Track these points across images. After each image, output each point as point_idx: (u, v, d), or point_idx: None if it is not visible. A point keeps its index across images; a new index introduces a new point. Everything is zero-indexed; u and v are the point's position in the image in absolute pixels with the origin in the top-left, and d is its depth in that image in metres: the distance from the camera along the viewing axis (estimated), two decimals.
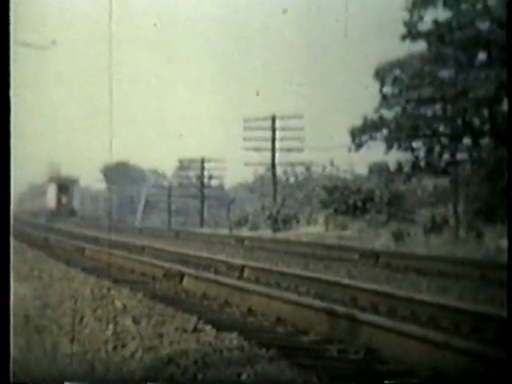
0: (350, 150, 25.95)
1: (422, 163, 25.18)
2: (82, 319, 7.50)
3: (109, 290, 9.72)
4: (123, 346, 6.36)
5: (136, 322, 7.29)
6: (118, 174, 45.02)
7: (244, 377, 5.35)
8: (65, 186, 34.82)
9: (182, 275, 10.99)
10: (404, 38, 24.85)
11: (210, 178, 38.51)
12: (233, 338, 6.50)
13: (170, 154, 38.32)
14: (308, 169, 34.76)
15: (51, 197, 34.71)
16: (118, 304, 8.41)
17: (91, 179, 45.47)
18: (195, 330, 6.92)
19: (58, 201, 34.56)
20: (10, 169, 5.58)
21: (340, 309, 7.23)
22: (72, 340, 6.70)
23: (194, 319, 7.39)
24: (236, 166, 36.96)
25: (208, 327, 6.99)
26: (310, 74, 25.90)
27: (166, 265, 12.20)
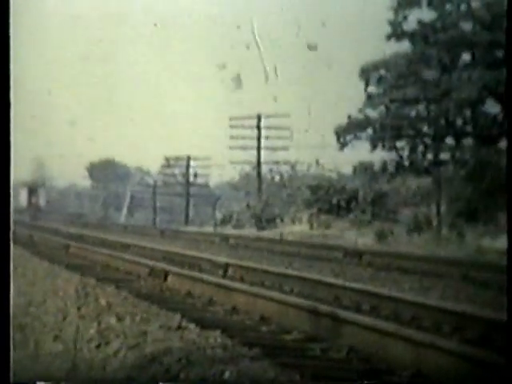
0: (335, 149, 26.08)
1: (406, 163, 25.31)
2: (65, 317, 7.50)
3: (93, 287, 9.72)
4: (107, 343, 6.37)
5: (120, 319, 7.30)
6: (103, 171, 45.20)
7: (227, 375, 5.38)
8: (34, 189, 42.05)
9: (166, 273, 11.00)
10: (389, 37, 24.94)
11: (196, 176, 38.50)
12: (216, 337, 6.52)
13: (156, 151, 38.29)
14: (293, 167, 34.80)
15: (23, 198, 41.81)
16: (103, 302, 8.41)
17: (76, 176, 45.87)
18: (179, 328, 6.94)
19: (29, 201, 41.82)
20: (9, 168, 5.56)
21: (323, 307, 7.27)
22: (55, 338, 6.71)
23: (177, 317, 7.41)
24: (222, 164, 36.97)
25: (192, 325, 7.01)
26: (297, 73, 25.95)
27: (151, 263, 12.20)
